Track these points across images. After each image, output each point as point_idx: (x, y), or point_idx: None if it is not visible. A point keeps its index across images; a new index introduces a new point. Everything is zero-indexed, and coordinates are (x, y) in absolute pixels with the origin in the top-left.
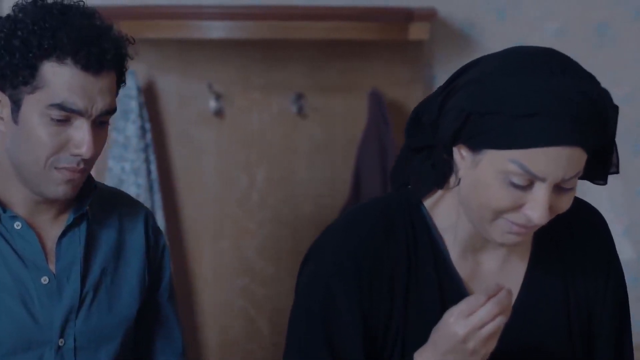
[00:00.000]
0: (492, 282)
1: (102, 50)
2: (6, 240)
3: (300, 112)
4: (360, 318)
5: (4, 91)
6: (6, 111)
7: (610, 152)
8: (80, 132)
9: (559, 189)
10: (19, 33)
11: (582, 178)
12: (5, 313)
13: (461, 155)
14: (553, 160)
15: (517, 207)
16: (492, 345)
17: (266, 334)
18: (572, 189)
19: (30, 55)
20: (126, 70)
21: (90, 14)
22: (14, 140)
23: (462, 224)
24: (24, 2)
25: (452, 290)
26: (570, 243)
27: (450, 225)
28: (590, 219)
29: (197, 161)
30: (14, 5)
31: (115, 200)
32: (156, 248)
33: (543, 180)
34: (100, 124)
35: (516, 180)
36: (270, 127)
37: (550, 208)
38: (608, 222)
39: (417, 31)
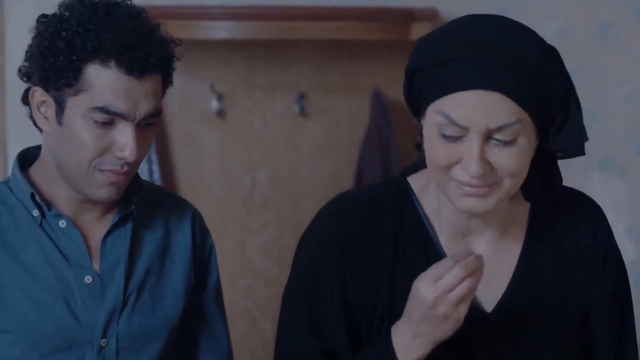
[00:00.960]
0: (485, 268)
1: (146, 54)
2: (50, 239)
3: (303, 112)
4: (343, 302)
5: (48, 92)
6: (50, 112)
7: (567, 119)
8: (124, 135)
9: (496, 143)
10: (63, 34)
11: (561, 157)
12: (47, 312)
13: (421, 123)
14: (471, 106)
15: (455, 162)
16: (463, 310)
17: (269, 335)
18: (512, 144)
19: (74, 57)
20: (173, 71)
21: (137, 14)
22: (58, 141)
23: (444, 206)
24: (70, 0)
25: None
26: (565, 232)
27: (436, 209)
28: (586, 209)
29: (200, 161)
30: (60, 3)
31: (162, 199)
32: (203, 248)
33: (466, 128)
34: (145, 126)
35: (447, 132)
36: (273, 127)
37: (490, 163)
38: (610, 222)
39: (419, 31)
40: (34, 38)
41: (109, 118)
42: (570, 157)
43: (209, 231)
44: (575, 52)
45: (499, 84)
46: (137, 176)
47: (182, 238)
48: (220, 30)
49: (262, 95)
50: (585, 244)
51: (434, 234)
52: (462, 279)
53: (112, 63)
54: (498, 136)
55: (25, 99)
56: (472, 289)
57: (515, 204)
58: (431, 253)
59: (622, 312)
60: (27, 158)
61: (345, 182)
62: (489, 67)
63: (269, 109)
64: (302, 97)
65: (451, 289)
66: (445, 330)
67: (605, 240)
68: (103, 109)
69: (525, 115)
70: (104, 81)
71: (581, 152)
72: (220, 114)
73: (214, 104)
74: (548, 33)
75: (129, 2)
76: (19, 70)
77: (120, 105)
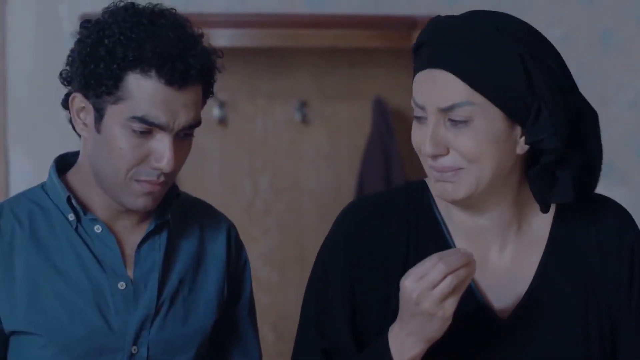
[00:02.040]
0: (501, 274)
1: (186, 66)
2: (85, 244)
3: (304, 119)
4: (350, 305)
5: (87, 98)
6: (90, 118)
7: (539, 110)
8: (161, 146)
9: (450, 124)
10: (106, 42)
11: (547, 159)
12: (79, 316)
13: None
14: (424, 85)
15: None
16: (449, 307)
17: (271, 342)
18: (465, 125)
19: (115, 66)
20: (214, 82)
21: (181, 24)
22: (96, 148)
23: (452, 207)
24: (114, 6)
25: None
26: (588, 240)
27: (448, 209)
28: (610, 216)
29: (201, 168)
30: (104, 9)
31: (198, 210)
32: (237, 261)
33: (423, 108)
34: (184, 136)
35: (416, 113)
36: (275, 134)
37: (442, 143)
38: None
39: None
40: (76, 43)
41: (148, 128)
42: (547, 148)
43: (243, 245)
44: (577, 59)
45: (444, 62)
46: (174, 185)
47: (217, 250)
48: (222, 38)
49: (264, 102)
50: (609, 251)
51: (450, 238)
52: (446, 275)
53: (153, 73)
54: (451, 116)
55: (66, 104)
56: (459, 286)
57: (537, 212)
58: None
59: None
60: (64, 163)
61: (347, 189)
62: (440, 47)
63: (271, 116)
64: (303, 104)
65: (434, 286)
66: (434, 328)
67: (632, 246)
68: (141, 119)
69: (480, 98)
70: (143, 91)
71: (555, 142)
72: (222, 121)
73: (216, 111)
74: (551, 39)
75: (173, 11)
76: (60, 74)
77: (159, 116)
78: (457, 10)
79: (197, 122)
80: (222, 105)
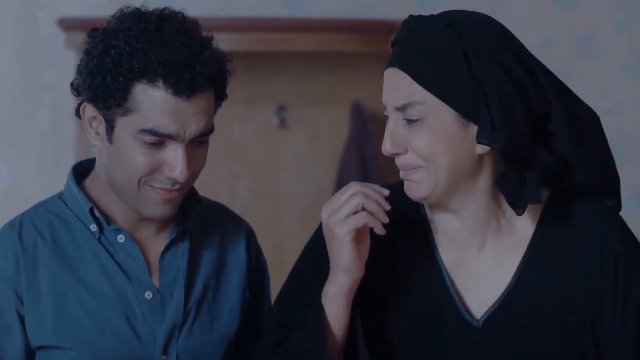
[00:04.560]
0: (479, 276)
1: (193, 75)
2: (110, 254)
3: (283, 123)
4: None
5: (98, 109)
6: (101, 128)
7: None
8: (174, 156)
9: (405, 122)
10: (112, 52)
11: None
12: (108, 328)
13: None
14: (385, 83)
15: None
16: (347, 224)
17: None
18: (417, 123)
19: (121, 78)
20: (227, 84)
21: (187, 29)
22: (109, 159)
23: (434, 209)
24: (121, 13)
25: (435, 279)
26: (571, 247)
27: (431, 208)
28: (596, 223)
29: None
30: (112, 16)
31: (217, 215)
32: (257, 266)
33: (385, 106)
34: (198, 143)
35: (385, 112)
36: (253, 139)
37: (400, 142)
38: None
39: None
40: (84, 54)
41: (159, 139)
42: (494, 147)
43: (261, 249)
44: (556, 65)
45: (399, 61)
46: (194, 190)
47: (238, 255)
48: None
49: (242, 107)
50: (591, 260)
51: (432, 237)
52: (352, 195)
53: (160, 83)
54: (405, 115)
55: (78, 113)
56: (364, 212)
57: (522, 217)
58: (426, 255)
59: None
60: (81, 171)
61: (326, 193)
62: (399, 46)
63: (249, 120)
64: (282, 108)
65: (341, 206)
66: (337, 249)
67: (616, 254)
68: (151, 131)
69: (431, 97)
70: (151, 102)
71: (498, 142)
72: None
73: None
74: (530, 44)
75: (180, 14)
76: (71, 84)
77: (169, 126)
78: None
79: (210, 129)
80: None
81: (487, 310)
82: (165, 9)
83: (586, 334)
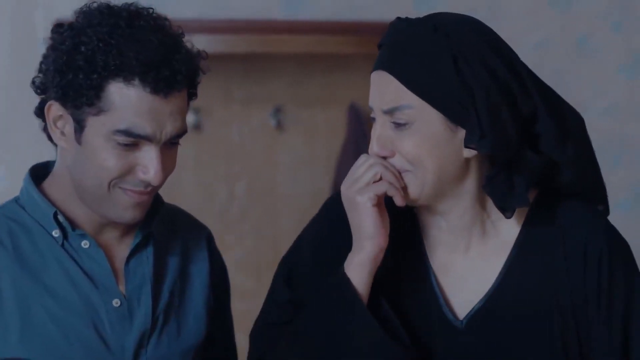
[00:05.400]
0: (464, 277)
1: (172, 72)
2: (74, 260)
3: (279, 125)
4: (320, 267)
5: (65, 108)
6: (68, 128)
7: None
8: (148, 158)
9: (393, 126)
10: (82, 49)
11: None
12: (75, 337)
13: None
14: (373, 86)
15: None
16: (367, 192)
17: (245, 349)
18: (405, 127)
19: (95, 75)
20: (198, 83)
21: (161, 25)
22: (77, 160)
23: (422, 210)
24: (87, 8)
25: (422, 279)
26: (555, 248)
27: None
28: (580, 224)
29: (177, 174)
30: (76, 12)
31: (178, 219)
32: (219, 271)
33: (372, 109)
34: (171, 144)
35: (371, 114)
36: (250, 140)
37: (387, 145)
38: None
39: None
40: (49, 50)
41: (133, 140)
42: (482, 152)
43: (220, 254)
44: (553, 65)
45: (386, 64)
46: (157, 193)
47: (200, 260)
48: (197, 44)
49: (239, 108)
50: (575, 262)
51: (421, 237)
52: (370, 166)
53: (136, 81)
54: (393, 119)
55: (39, 112)
56: (384, 179)
57: (509, 219)
58: (416, 253)
59: (625, 330)
60: (38, 174)
61: (323, 194)
62: (386, 49)
63: (246, 122)
64: (278, 110)
65: (360, 176)
66: (359, 217)
67: (600, 258)
68: (126, 132)
69: (418, 101)
70: (126, 101)
71: (486, 147)
72: (197, 127)
73: (191, 118)
74: (527, 46)
75: (150, 10)
76: (33, 82)
77: (144, 127)
78: None
79: (184, 131)
80: (197, 111)
81: (470, 311)
82: (132, 4)
83: (570, 334)
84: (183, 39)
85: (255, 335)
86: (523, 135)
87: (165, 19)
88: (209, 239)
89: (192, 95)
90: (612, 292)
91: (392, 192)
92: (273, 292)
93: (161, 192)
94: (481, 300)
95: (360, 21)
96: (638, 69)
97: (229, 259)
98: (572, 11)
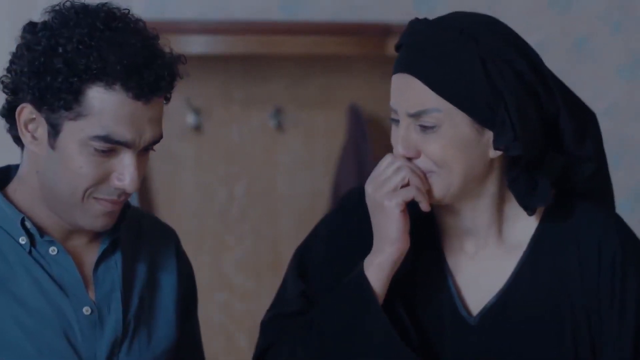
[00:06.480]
0: (478, 276)
1: (156, 77)
2: (42, 268)
3: (279, 126)
4: (332, 262)
5: (39, 111)
6: (41, 131)
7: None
8: (125, 165)
9: (419, 128)
10: (61, 51)
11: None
12: (47, 348)
13: None
14: (397, 88)
15: None
16: (396, 197)
17: (245, 350)
18: (432, 130)
19: (75, 79)
20: (173, 89)
21: (139, 28)
22: (49, 166)
23: (440, 208)
24: (60, 7)
25: (437, 275)
26: (568, 249)
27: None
28: (594, 225)
29: (176, 175)
30: (47, 9)
31: (145, 223)
32: (187, 275)
33: (396, 112)
34: (145, 151)
35: (392, 115)
36: (250, 141)
37: (412, 146)
38: None
39: None
40: (22, 50)
41: (111, 147)
42: (511, 154)
43: (187, 256)
44: (552, 67)
45: (412, 67)
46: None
47: (168, 264)
48: (197, 45)
49: (239, 109)
50: (588, 263)
51: (437, 235)
52: (398, 169)
53: (118, 86)
54: (419, 122)
55: (7, 113)
56: (412, 184)
57: (521, 216)
58: (432, 249)
59: (638, 331)
60: (1, 178)
61: (322, 196)
62: (410, 51)
63: (246, 123)
64: (278, 111)
65: (386, 180)
66: (384, 221)
67: (613, 259)
68: (105, 138)
69: (446, 104)
70: (106, 106)
71: (518, 149)
72: (197, 128)
73: (191, 118)
74: None
75: (126, 11)
76: (1, 81)
77: (124, 133)
78: (433, 17)
79: (160, 137)
80: (196, 112)
81: (483, 307)
82: (105, 4)
83: (582, 334)
84: (159, 41)
85: (265, 325)
86: (546, 135)
87: (140, 20)
88: (177, 242)
89: (167, 100)
90: (626, 293)
91: (419, 198)
92: (286, 283)
93: (161, 192)
94: (495, 296)
95: (360, 22)
96: (638, 70)
97: (229, 259)
98: (571, 12)
